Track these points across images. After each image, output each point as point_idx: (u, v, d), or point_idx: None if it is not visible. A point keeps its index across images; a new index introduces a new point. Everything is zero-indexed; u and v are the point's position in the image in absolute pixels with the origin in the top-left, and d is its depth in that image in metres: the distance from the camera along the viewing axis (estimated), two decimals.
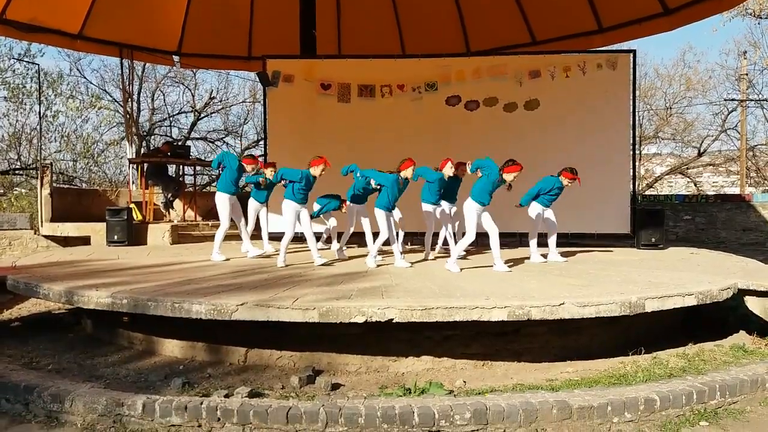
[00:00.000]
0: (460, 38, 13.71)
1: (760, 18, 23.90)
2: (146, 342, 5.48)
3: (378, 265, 7.00)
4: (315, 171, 7.00)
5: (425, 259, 7.76)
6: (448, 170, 7.40)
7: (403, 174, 6.94)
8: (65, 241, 10.30)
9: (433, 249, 8.10)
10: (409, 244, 9.24)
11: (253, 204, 8.45)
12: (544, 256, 7.60)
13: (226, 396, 3.94)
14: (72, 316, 6.82)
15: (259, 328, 4.70)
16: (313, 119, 10.51)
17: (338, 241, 8.35)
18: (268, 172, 8.09)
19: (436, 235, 8.04)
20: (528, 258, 7.65)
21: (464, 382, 4.52)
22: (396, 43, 14.13)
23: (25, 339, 5.90)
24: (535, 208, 7.63)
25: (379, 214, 7.01)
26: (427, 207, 7.65)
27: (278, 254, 7.04)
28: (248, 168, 8.05)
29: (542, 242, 7.72)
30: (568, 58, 10.50)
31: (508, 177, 6.59)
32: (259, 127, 25.38)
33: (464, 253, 7.59)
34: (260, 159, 8.88)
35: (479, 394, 4.06)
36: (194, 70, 23.63)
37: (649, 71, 29.42)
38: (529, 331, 4.99)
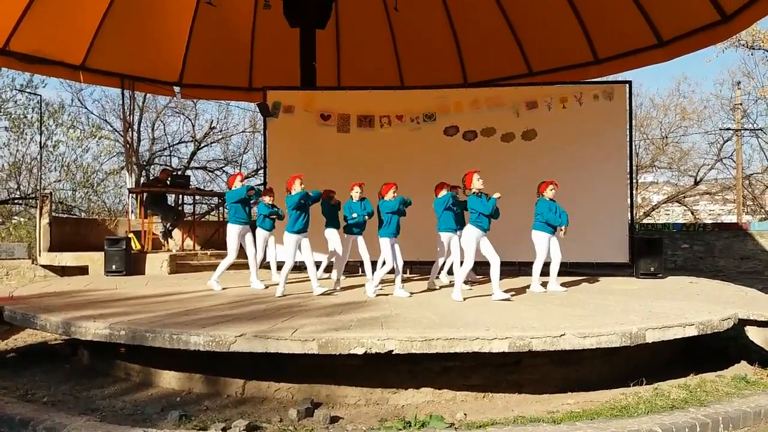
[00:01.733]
0: (458, 70, 13.89)
1: (753, 49, 24.25)
2: (143, 373, 5.43)
3: (377, 295, 6.97)
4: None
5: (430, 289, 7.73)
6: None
7: (387, 197, 7.00)
8: (63, 271, 10.26)
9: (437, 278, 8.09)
10: (408, 272, 9.22)
11: (261, 233, 8.39)
12: (544, 285, 7.58)
13: (224, 429, 3.90)
14: (68, 347, 6.75)
15: (258, 359, 4.66)
16: (312, 149, 10.57)
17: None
18: (267, 200, 8.13)
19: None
20: (528, 287, 7.62)
21: (465, 414, 4.47)
22: (395, 75, 14.32)
23: (21, 370, 5.84)
24: (542, 237, 7.59)
25: (385, 242, 6.99)
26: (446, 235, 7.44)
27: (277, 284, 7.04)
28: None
29: (542, 272, 7.70)
30: (565, 89, 10.61)
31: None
32: (258, 157, 25.51)
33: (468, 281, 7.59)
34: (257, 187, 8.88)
35: (480, 427, 4.02)
36: (195, 101, 23.85)
37: (645, 101, 29.70)
38: (529, 362, 4.96)
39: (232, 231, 7.65)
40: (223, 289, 7.46)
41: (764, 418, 4.17)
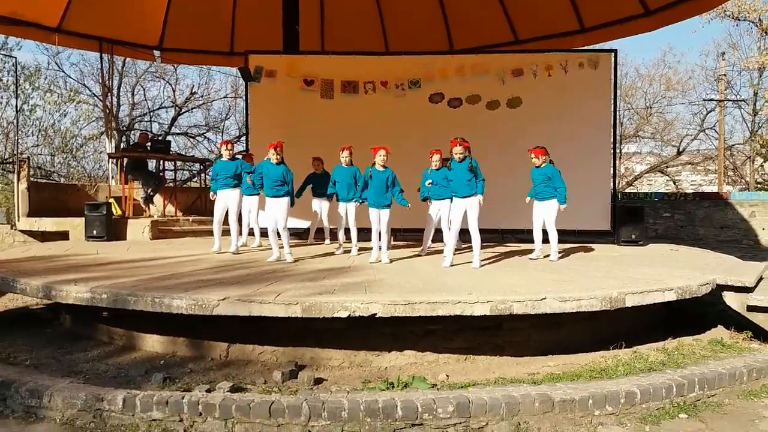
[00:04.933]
0: (444, 36, 13.74)
1: (739, 20, 24.31)
2: (126, 337, 5.42)
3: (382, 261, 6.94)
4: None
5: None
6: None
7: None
8: (43, 236, 10.13)
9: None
10: (394, 239, 9.21)
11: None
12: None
13: (208, 391, 3.91)
14: (50, 312, 6.72)
15: (241, 323, 4.66)
16: (295, 115, 10.46)
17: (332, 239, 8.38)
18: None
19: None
20: (516, 255, 7.59)
21: (447, 376, 4.53)
22: (380, 40, 14.12)
23: (2, 334, 5.79)
24: (555, 204, 7.36)
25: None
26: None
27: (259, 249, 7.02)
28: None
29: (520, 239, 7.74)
30: (551, 57, 10.57)
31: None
32: (240, 123, 25.26)
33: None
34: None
35: (462, 387, 4.07)
36: (175, 65, 23.42)
37: (630, 71, 29.80)
38: (511, 326, 5.02)
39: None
40: (206, 254, 7.42)
41: (738, 380, 4.28)
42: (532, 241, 7.74)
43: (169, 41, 13.62)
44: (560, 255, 7.48)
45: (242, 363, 4.86)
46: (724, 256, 7.99)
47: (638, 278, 5.66)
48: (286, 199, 7.01)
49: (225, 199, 7.73)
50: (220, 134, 26.55)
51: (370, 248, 7.04)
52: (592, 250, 8.66)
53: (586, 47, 12.09)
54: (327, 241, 8.96)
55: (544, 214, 7.37)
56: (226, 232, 7.87)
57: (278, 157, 7.00)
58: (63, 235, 9.91)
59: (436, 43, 13.38)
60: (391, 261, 6.89)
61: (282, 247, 6.99)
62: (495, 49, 12.75)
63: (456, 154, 6.53)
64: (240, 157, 8.45)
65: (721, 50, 27.27)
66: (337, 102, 10.66)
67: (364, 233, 7.42)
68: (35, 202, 10.52)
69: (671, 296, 5.11)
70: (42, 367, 4.70)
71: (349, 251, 7.62)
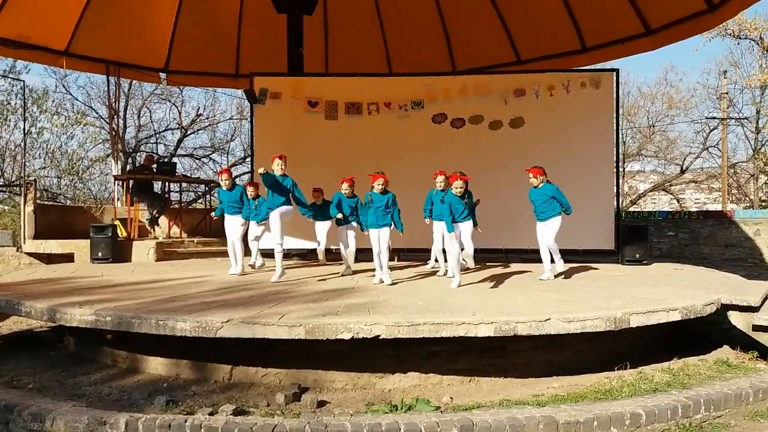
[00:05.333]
0: (446, 57, 13.87)
1: (740, 38, 24.41)
2: (130, 360, 5.42)
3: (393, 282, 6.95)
4: None
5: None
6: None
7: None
8: (48, 259, 10.18)
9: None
10: (395, 259, 9.23)
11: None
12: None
13: (211, 414, 3.90)
14: (54, 334, 6.73)
15: (245, 345, 4.66)
16: (300, 136, 10.52)
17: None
18: (251, 191, 8.04)
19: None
20: (520, 275, 7.57)
21: (451, 398, 4.50)
22: (383, 62, 14.26)
23: (6, 357, 5.80)
24: (558, 222, 7.36)
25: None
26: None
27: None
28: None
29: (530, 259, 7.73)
30: (553, 77, 10.63)
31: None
32: (245, 144, 25.42)
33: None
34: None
35: (466, 410, 4.05)
36: (181, 88, 23.64)
37: (632, 90, 29.97)
38: (515, 347, 4.99)
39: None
40: (210, 276, 7.45)
41: (745, 401, 4.24)
42: (536, 261, 7.72)
43: (175, 64, 13.79)
44: (562, 275, 7.44)
45: (245, 385, 4.85)
46: (729, 275, 7.96)
47: (643, 298, 5.64)
48: (282, 209, 7.07)
49: (231, 225, 7.83)
50: (226, 155, 26.71)
51: (369, 270, 7.05)
52: (595, 269, 8.64)
53: (587, 67, 12.17)
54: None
55: (548, 233, 7.35)
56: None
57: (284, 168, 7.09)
58: (68, 257, 9.96)
59: (438, 64, 13.50)
60: (394, 282, 6.85)
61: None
62: (497, 70, 12.87)
63: (456, 188, 6.59)
64: (241, 183, 8.50)
65: (723, 68, 27.37)
66: (341, 123, 10.73)
67: (366, 253, 7.42)
68: (41, 224, 10.59)
69: (676, 316, 5.09)
70: (45, 391, 4.70)
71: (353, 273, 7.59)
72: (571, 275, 7.87)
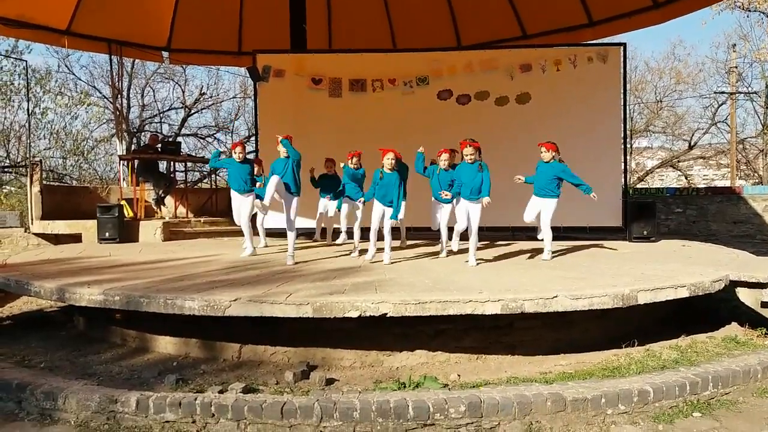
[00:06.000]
0: (451, 32, 13.70)
1: (749, 11, 24.06)
2: (139, 339, 5.46)
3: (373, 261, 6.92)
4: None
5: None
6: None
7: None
8: (56, 239, 10.22)
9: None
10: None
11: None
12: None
13: (221, 392, 3.93)
14: (64, 314, 6.78)
15: (253, 323, 4.69)
16: (304, 114, 10.47)
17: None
18: (256, 169, 7.99)
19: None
20: (527, 253, 7.52)
21: (458, 375, 4.53)
22: (387, 38, 14.10)
23: (17, 337, 5.86)
24: (554, 204, 7.15)
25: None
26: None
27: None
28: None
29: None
30: (559, 51, 10.50)
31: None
32: (250, 123, 25.31)
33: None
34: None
35: (474, 387, 4.07)
36: (184, 66, 23.51)
37: (640, 65, 29.54)
38: (522, 325, 5.00)
39: None
40: (218, 255, 7.46)
41: (753, 377, 4.24)
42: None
43: (178, 42, 13.68)
44: (565, 252, 7.40)
45: (254, 364, 4.88)
46: (737, 251, 7.92)
47: (650, 275, 5.62)
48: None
49: (238, 202, 7.71)
50: (230, 135, 26.64)
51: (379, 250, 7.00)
52: (603, 246, 8.61)
53: (594, 41, 12.00)
54: (332, 239, 8.96)
55: (541, 210, 7.18)
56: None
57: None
58: (76, 238, 9.99)
59: (443, 39, 13.33)
60: (393, 262, 6.78)
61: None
62: (503, 45, 12.70)
63: (467, 156, 6.51)
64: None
65: (732, 42, 26.98)
66: (346, 100, 10.66)
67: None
68: (48, 204, 10.62)
69: (684, 293, 5.08)
70: (56, 370, 4.75)
71: (365, 251, 7.50)
72: (578, 252, 7.85)
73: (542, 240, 7.20)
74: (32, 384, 3.95)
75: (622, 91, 10.26)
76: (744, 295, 5.65)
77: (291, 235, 6.85)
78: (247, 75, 11.70)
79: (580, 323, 5.20)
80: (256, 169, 8.01)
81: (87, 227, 9.92)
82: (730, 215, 14.40)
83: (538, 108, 10.25)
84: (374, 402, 3.57)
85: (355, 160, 7.67)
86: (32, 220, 10.48)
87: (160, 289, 5.00)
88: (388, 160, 6.79)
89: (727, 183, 26.88)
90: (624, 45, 10.42)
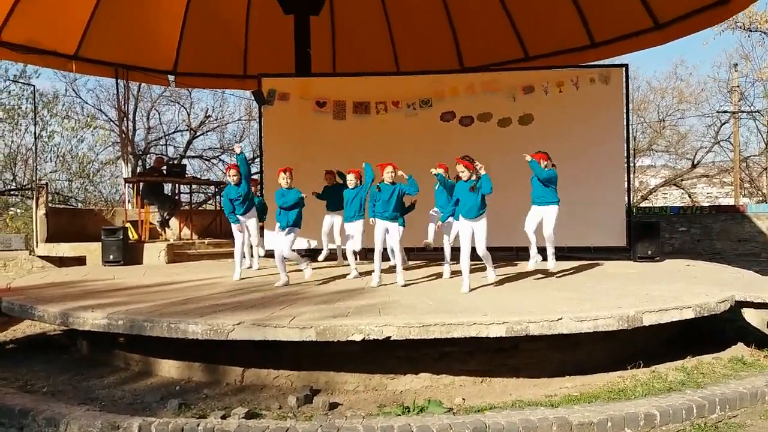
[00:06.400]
0: (454, 54, 13.83)
1: (750, 31, 24.18)
2: (143, 363, 5.44)
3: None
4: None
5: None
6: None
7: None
8: (61, 262, 10.25)
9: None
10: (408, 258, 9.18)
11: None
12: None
13: (223, 417, 3.91)
14: (67, 338, 6.76)
15: (256, 347, 4.67)
16: (308, 136, 10.54)
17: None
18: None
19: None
20: (531, 274, 7.49)
21: (463, 399, 4.49)
22: (390, 60, 14.25)
23: (20, 361, 5.84)
24: (555, 211, 7.22)
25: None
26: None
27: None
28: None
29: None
30: (561, 73, 10.56)
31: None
32: (254, 145, 25.45)
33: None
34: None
35: (478, 411, 4.04)
36: (189, 89, 23.72)
37: (642, 84, 29.68)
38: (527, 347, 4.97)
39: None
40: (222, 277, 7.47)
41: (761, 399, 4.20)
42: (546, 260, 7.61)
43: (183, 66, 13.86)
44: (569, 272, 7.38)
45: (257, 388, 4.85)
46: (743, 270, 7.88)
47: (655, 296, 5.59)
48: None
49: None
50: (235, 157, 26.75)
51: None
52: (607, 267, 8.58)
53: (596, 62, 12.09)
54: (339, 260, 8.95)
55: (543, 219, 7.20)
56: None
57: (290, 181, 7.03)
58: (80, 260, 10.02)
59: (446, 62, 13.45)
60: (407, 284, 6.71)
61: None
62: (505, 66, 12.81)
63: (459, 173, 6.49)
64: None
65: (734, 61, 27.10)
66: (350, 123, 10.72)
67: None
68: (53, 227, 10.67)
69: (689, 314, 5.05)
70: (59, 395, 4.73)
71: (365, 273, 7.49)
72: (583, 272, 7.83)
73: (544, 260, 7.17)
74: (35, 410, 3.94)
75: (624, 111, 10.30)
76: (750, 316, 5.61)
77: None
78: (252, 98, 11.79)
79: (586, 345, 5.16)
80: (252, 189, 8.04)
81: (91, 250, 9.95)
82: (734, 234, 14.34)
83: (540, 129, 10.28)
84: (378, 428, 3.55)
85: (351, 177, 7.71)
86: (37, 242, 10.52)
87: (163, 313, 5.00)
88: (388, 174, 6.75)
89: (730, 201, 26.83)
90: (626, 66, 10.48)
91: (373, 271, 6.81)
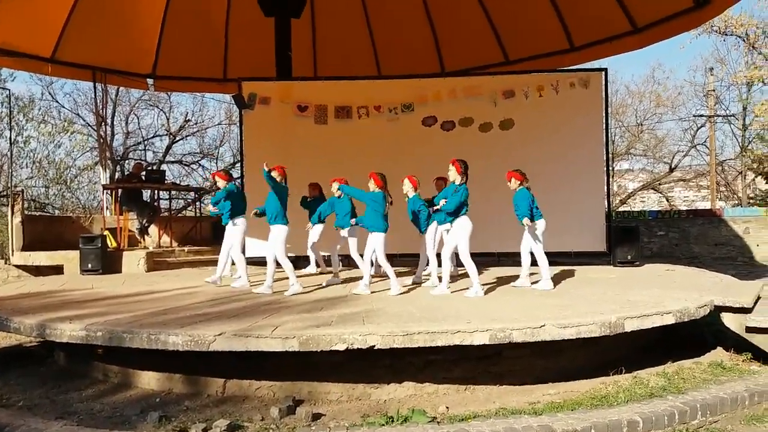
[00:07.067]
0: (435, 58, 13.86)
1: (726, 35, 24.61)
2: (122, 374, 5.34)
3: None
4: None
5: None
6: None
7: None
8: (37, 271, 10.05)
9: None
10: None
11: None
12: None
13: (205, 430, 3.86)
14: (44, 349, 6.63)
15: (238, 357, 4.62)
16: (290, 141, 10.47)
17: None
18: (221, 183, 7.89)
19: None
20: (512, 279, 7.50)
21: (447, 407, 4.47)
22: (372, 64, 14.23)
23: None
24: (541, 225, 7.17)
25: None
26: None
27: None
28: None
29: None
30: (541, 77, 10.64)
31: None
32: (235, 149, 25.30)
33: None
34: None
35: (462, 420, 4.03)
36: (169, 93, 23.50)
37: (620, 88, 30.02)
38: (510, 354, 4.97)
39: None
40: (202, 286, 7.38)
41: (741, 404, 4.25)
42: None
43: (163, 69, 13.71)
44: (553, 277, 7.33)
45: (239, 399, 4.79)
46: (721, 275, 7.98)
47: (636, 301, 5.64)
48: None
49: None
50: (215, 161, 26.57)
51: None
52: (588, 272, 8.64)
53: (576, 66, 12.19)
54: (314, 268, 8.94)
55: (526, 237, 7.22)
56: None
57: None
58: (57, 269, 9.84)
59: (427, 66, 13.48)
60: (373, 291, 6.66)
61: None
62: (486, 71, 12.86)
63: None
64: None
65: (709, 66, 27.59)
66: (331, 127, 10.69)
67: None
68: (29, 235, 10.47)
69: (670, 320, 5.10)
70: (35, 408, 4.62)
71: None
72: (565, 278, 7.87)
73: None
74: (10, 425, 3.85)
75: (603, 116, 10.40)
76: (729, 320, 5.68)
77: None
78: (233, 102, 11.70)
79: (568, 351, 5.18)
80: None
81: (69, 258, 9.78)
82: (711, 237, 14.56)
83: (521, 133, 10.35)
84: None
85: (335, 186, 7.69)
86: (13, 251, 10.31)
87: (143, 323, 4.92)
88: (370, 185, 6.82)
89: (707, 205, 27.25)
90: (605, 70, 10.60)
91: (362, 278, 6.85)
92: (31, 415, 4.33)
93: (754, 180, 26.72)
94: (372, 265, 7.04)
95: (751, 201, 25.34)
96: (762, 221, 14.52)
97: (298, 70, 11.78)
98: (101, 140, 13.70)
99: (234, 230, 7.63)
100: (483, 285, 6.64)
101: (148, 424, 4.16)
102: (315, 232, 8.53)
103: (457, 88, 10.76)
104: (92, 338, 4.75)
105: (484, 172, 9.45)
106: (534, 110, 10.40)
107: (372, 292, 6.62)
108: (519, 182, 7.13)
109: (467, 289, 6.50)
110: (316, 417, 4.32)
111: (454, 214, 6.46)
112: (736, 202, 27.15)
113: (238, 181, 10.52)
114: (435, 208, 6.78)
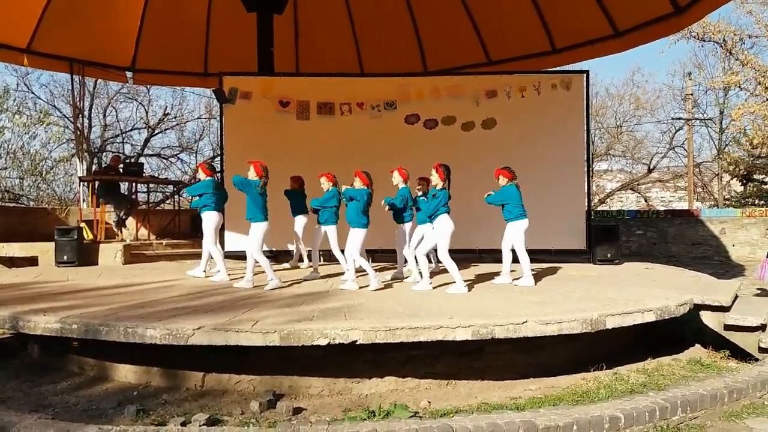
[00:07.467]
0: (418, 57, 13.87)
1: (704, 41, 24.97)
2: (98, 367, 5.24)
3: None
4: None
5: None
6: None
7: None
8: (11, 262, 9.83)
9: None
10: (370, 260, 9.13)
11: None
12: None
13: (183, 424, 3.78)
14: (17, 341, 6.48)
15: (217, 351, 4.54)
16: (271, 136, 10.39)
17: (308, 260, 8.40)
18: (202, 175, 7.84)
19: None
20: (494, 276, 7.50)
21: (429, 402, 4.46)
22: (354, 61, 14.20)
23: None
24: (524, 224, 7.12)
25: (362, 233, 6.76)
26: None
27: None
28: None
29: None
30: (524, 78, 10.69)
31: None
32: (215, 144, 25.10)
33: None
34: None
35: (444, 415, 4.01)
36: (148, 86, 23.20)
37: (600, 91, 30.37)
38: (492, 350, 4.97)
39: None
40: (180, 280, 7.28)
41: (720, 401, 4.28)
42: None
43: (142, 62, 13.52)
44: (534, 274, 7.34)
45: (218, 393, 4.72)
46: (699, 274, 8.09)
47: (617, 299, 5.68)
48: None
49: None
50: (194, 155, 26.32)
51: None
52: (568, 269, 8.69)
53: (558, 68, 12.28)
54: (304, 263, 8.88)
55: (508, 236, 7.21)
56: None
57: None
58: (32, 261, 9.65)
59: (410, 64, 13.49)
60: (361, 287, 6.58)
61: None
62: (468, 71, 12.89)
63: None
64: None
65: (688, 70, 28.04)
66: (313, 123, 10.62)
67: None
68: (2, 226, 10.27)
69: (650, 317, 5.13)
70: (9, 402, 4.50)
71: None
72: (545, 276, 7.90)
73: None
74: None
75: (585, 117, 10.48)
76: (707, 318, 5.75)
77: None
78: (213, 96, 11.58)
79: (550, 347, 5.19)
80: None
81: (44, 250, 9.59)
82: (689, 237, 14.77)
83: (503, 133, 10.39)
84: None
85: (324, 180, 7.64)
86: None
87: (120, 316, 4.83)
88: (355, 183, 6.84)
89: (684, 205, 27.67)
90: (587, 73, 10.68)
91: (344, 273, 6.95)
92: (4, 408, 4.22)
93: (729, 182, 27.20)
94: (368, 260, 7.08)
95: (727, 202, 25.79)
96: (738, 222, 14.78)
97: (280, 65, 11.71)
98: (78, 132, 13.44)
99: (210, 223, 7.55)
100: (467, 282, 6.64)
101: (126, 417, 4.08)
102: (299, 224, 8.48)
103: (440, 87, 10.77)
104: (67, 331, 4.64)
105: (467, 170, 9.50)
106: (516, 110, 10.46)
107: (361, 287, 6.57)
108: (507, 180, 7.14)
109: (449, 284, 6.49)
110: (297, 411, 4.27)
111: (431, 217, 6.52)
112: (713, 203, 27.62)
113: (219, 175, 10.42)
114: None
